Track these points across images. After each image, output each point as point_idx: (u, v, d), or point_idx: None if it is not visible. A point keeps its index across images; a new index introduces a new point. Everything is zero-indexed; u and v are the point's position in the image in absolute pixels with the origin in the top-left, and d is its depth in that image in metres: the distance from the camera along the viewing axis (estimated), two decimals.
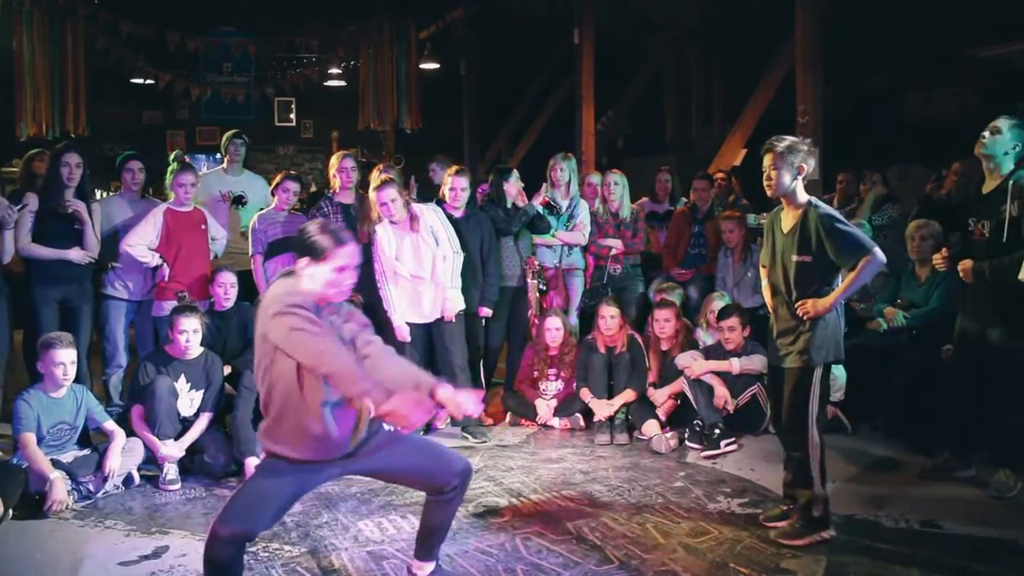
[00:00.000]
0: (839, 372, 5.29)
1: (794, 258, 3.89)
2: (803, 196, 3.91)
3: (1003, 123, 4.34)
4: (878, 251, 3.78)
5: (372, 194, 5.57)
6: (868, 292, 5.89)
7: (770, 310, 4.12)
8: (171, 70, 11.20)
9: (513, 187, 6.15)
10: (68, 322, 5.52)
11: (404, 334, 5.50)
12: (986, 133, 4.38)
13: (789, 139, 3.89)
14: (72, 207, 5.51)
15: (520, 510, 4.32)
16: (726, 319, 5.61)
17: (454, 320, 5.59)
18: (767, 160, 3.89)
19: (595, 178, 6.94)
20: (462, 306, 5.64)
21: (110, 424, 4.74)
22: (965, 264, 4.44)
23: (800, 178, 3.87)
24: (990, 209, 4.39)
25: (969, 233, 4.54)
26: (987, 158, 4.40)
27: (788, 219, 3.95)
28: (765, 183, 3.91)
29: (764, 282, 4.24)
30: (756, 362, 5.45)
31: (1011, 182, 4.31)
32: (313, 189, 11.22)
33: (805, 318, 3.85)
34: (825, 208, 3.91)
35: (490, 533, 4.02)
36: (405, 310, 5.53)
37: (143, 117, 14.18)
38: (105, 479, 4.54)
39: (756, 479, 4.72)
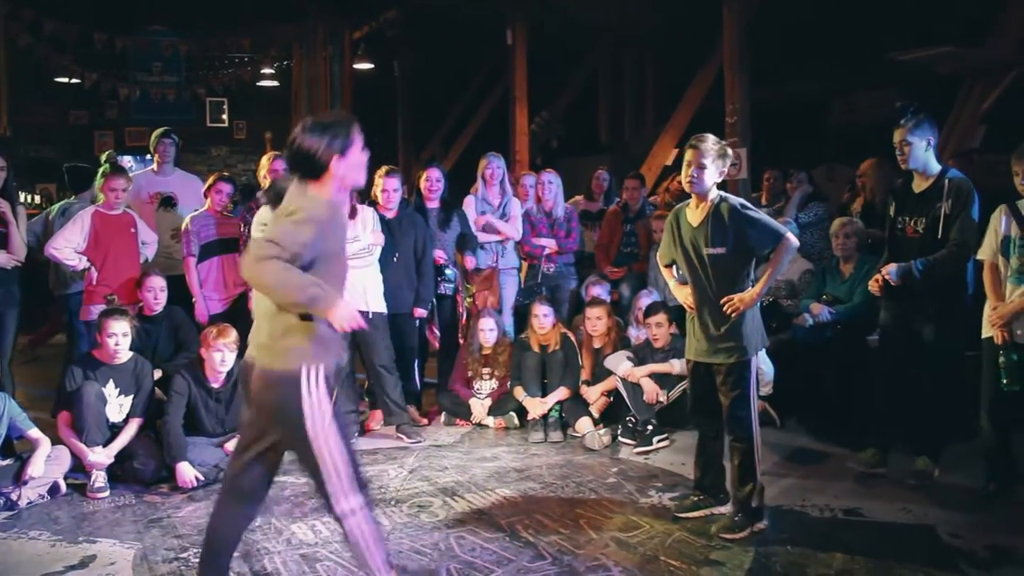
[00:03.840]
0: (767, 366, 5.43)
1: (708, 251, 3.94)
2: (714, 192, 3.98)
3: (906, 135, 4.45)
4: (791, 235, 3.93)
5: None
6: (795, 289, 6.04)
7: (688, 307, 4.13)
8: (98, 69, 10.94)
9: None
10: None
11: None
12: (899, 153, 4.50)
13: (713, 140, 3.94)
14: None
15: (454, 509, 4.34)
16: (653, 315, 5.70)
17: (371, 317, 5.55)
18: (692, 156, 3.91)
19: (529, 178, 7.00)
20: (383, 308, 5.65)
21: (34, 432, 4.62)
22: (890, 267, 4.49)
23: (719, 179, 3.96)
24: (925, 207, 4.51)
25: (899, 231, 4.64)
26: (916, 168, 4.53)
27: (696, 213, 4.00)
28: (686, 179, 3.95)
29: (671, 281, 4.30)
30: None
31: (947, 179, 4.45)
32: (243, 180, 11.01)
33: (733, 315, 3.91)
34: (734, 198, 3.99)
35: (424, 533, 4.02)
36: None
37: (69, 117, 13.81)
38: (25, 483, 4.43)
39: (687, 473, 4.78)
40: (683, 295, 4.16)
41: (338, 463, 2.99)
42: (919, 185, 4.57)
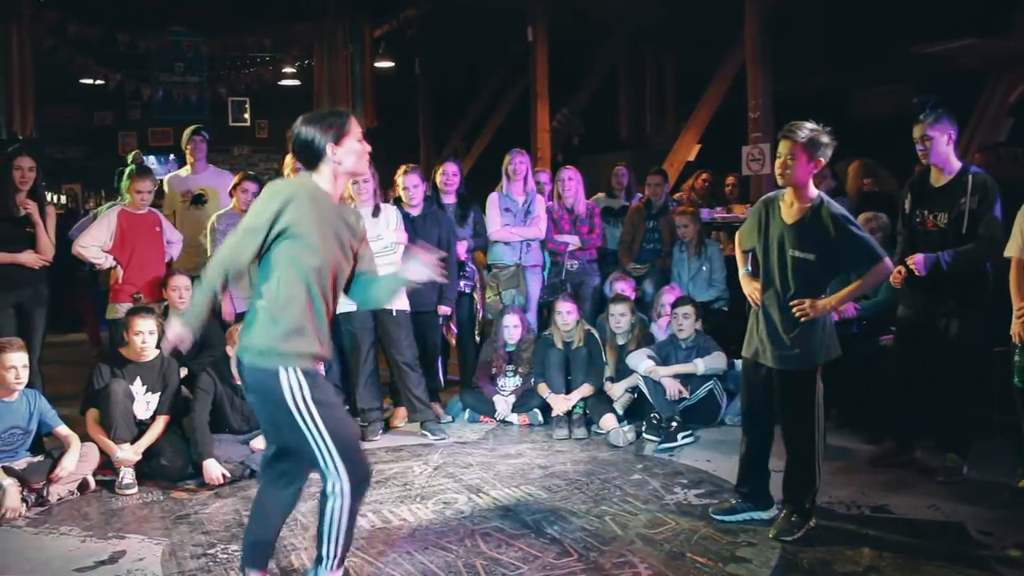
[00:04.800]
0: None
1: (795, 253, 3.76)
2: (814, 190, 3.77)
3: (926, 130, 4.42)
4: (888, 259, 3.73)
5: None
6: None
7: (755, 303, 3.97)
8: (121, 70, 11.04)
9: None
10: (22, 326, 5.43)
11: None
12: (920, 147, 4.47)
13: (809, 128, 3.68)
14: (26, 210, 5.42)
15: (479, 505, 4.34)
16: (682, 306, 5.70)
17: (395, 315, 5.58)
18: (784, 148, 3.70)
19: (543, 175, 7.01)
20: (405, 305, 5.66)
21: (63, 429, 4.68)
22: (917, 257, 4.46)
23: (816, 172, 3.74)
24: (946, 201, 4.47)
25: (918, 223, 4.62)
26: (936, 164, 4.50)
27: (792, 211, 3.79)
28: (778, 171, 3.75)
29: (743, 270, 4.12)
30: (719, 361, 5.56)
31: (970, 176, 4.41)
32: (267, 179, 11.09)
33: (802, 319, 3.75)
34: (838, 207, 3.78)
35: (449, 529, 4.03)
36: None
37: (94, 118, 13.98)
38: (55, 480, 4.48)
39: (712, 470, 4.79)
40: (751, 288, 3.99)
41: (328, 440, 2.99)
42: (938, 179, 4.54)
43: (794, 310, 3.77)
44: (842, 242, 3.70)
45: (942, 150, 4.44)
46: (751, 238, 4.02)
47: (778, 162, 3.76)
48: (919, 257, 4.46)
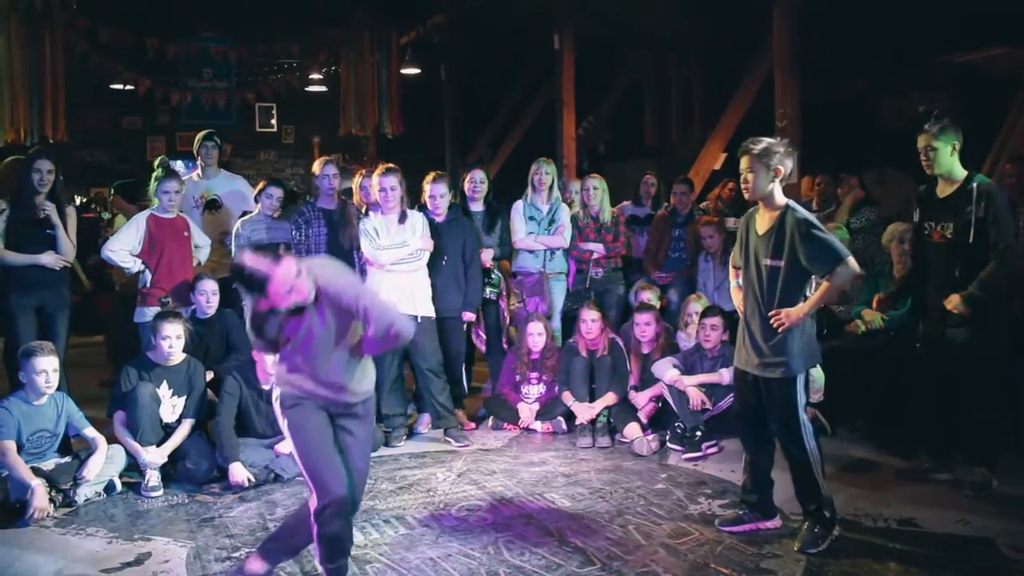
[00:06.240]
0: (818, 373, 5.35)
1: (767, 262, 3.86)
2: (781, 199, 3.87)
3: (931, 141, 4.42)
4: (852, 260, 3.75)
5: (375, 178, 5.66)
6: (846, 295, 5.95)
7: (741, 314, 4.07)
8: (150, 75, 11.14)
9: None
10: (45, 329, 5.48)
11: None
12: (924, 158, 4.47)
13: (766, 141, 3.85)
14: (44, 211, 5.47)
15: (502, 513, 4.34)
16: (709, 317, 5.68)
17: (420, 321, 5.56)
18: (744, 162, 3.87)
19: (575, 183, 6.99)
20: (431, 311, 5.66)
21: (91, 431, 4.73)
22: (954, 300, 4.40)
23: (777, 180, 3.83)
24: (953, 212, 4.46)
25: (926, 236, 4.62)
26: (941, 174, 4.50)
27: (764, 221, 3.91)
28: (742, 185, 3.91)
29: (733, 283, 4.22)
30: None
31: (975, 185, 4.39)
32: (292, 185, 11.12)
33: (780, 330, 3.81)
34: (803, 212, 3.85)
35: (473, 536, 4.03)
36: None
37: (123, 123, 14.09)
38: (82, 481, 4.53)
39: (736, 480, 4.73)
40: (738, 300, 4.11)
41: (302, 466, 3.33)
42: (944, 190, 4.53)
43: (771, 321, 3.83)
44: (804, 245, 3.76)
45: (946, 161, 4.45)
46: (740, 255, 4.11)
47: (741, 179, 3.90)
48: (956, 299, 4.40)
